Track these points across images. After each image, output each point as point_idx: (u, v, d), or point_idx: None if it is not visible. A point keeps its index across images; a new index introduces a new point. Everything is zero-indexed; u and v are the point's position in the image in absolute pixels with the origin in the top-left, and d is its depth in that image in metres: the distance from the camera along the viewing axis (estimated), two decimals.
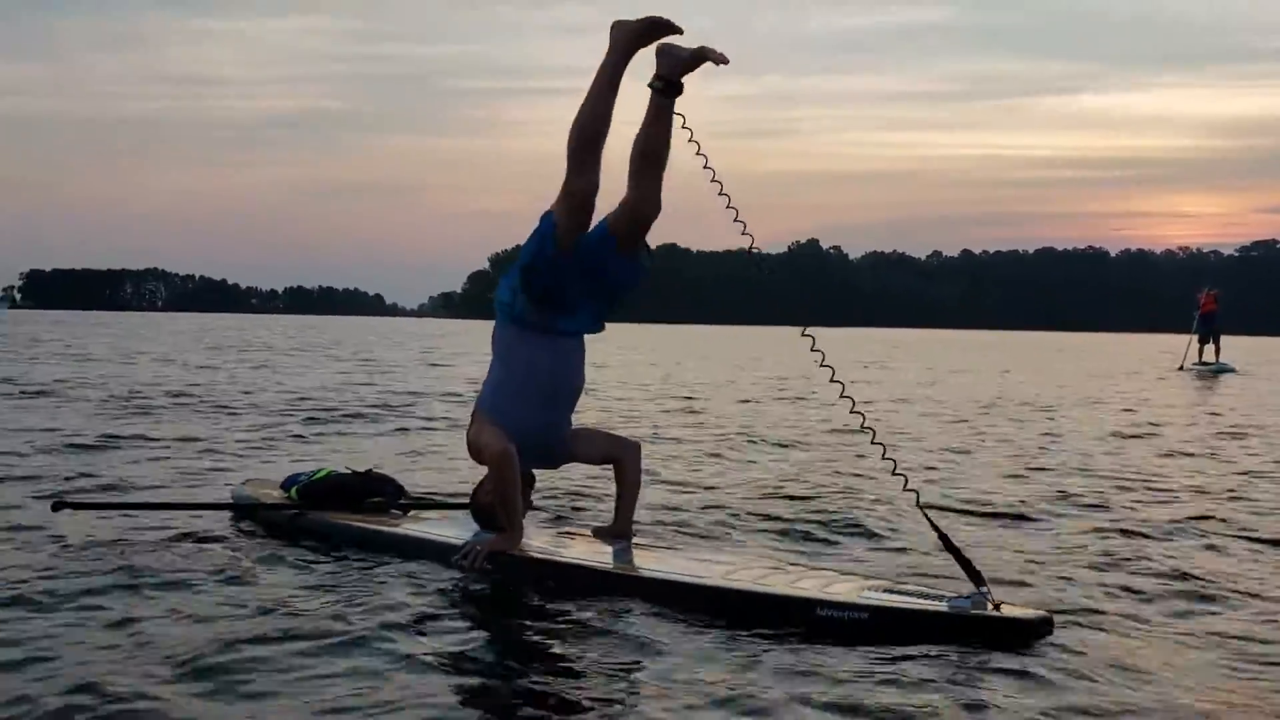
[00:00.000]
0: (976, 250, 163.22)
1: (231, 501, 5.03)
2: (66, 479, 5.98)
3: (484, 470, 4.22)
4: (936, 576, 4.04)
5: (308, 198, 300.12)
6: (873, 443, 3.70)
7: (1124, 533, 5.13)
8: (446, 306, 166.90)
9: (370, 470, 5.01)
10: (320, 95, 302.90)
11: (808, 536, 4.95)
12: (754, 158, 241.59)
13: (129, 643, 3.18)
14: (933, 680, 2.98)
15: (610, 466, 4.41)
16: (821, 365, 3.73)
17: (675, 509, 5.49)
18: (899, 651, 3.19)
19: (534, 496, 4.56)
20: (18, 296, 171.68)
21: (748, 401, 12.86)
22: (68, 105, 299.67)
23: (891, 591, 3.54)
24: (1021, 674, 3.05)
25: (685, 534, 4.90)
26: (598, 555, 4.07)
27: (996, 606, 3.33)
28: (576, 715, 2.74)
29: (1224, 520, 5.48)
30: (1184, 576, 4.26)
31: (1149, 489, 6.50)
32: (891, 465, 3.65)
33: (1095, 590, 4.04)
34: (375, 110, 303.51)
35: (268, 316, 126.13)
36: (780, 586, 3.60)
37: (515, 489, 4.08)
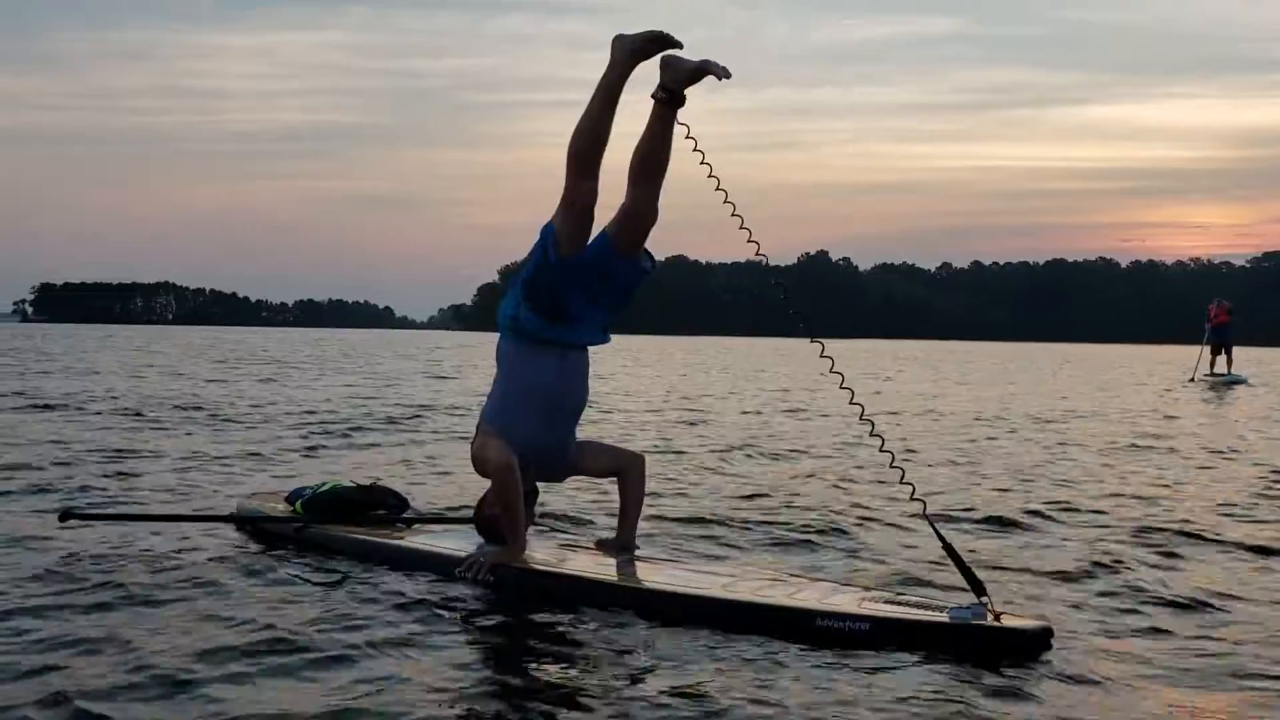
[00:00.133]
0: (986, 261, 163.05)
1: (237, 514, 5.05)
2: (75, 490, 6.03)
3: (488, 483, 4.24)
4: (937, 586, 4.05)
5: (319, 211, 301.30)
6: (881, 450, 3.72)
7: (1126, 544, 5.13)
8: (457, 319, 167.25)
9: (374, 483, 5.04)
10: (333, 109, 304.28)
11: (809, 547, 4.95)
12: (763, 169, 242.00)
13: (131, 653, 3.20)
14: (934, 691, 2.98)
15: (614, 478, 4.43)
16: (831, 371, 3.75)
17: (677, 520, 5.51)
18: (900, 662, 3.20)
19: (537, 509, 4.58)
20: (29, 310, 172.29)
21: (751, 413, 12.86)
22: (81, 119, 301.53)
23: (892, 602, 3.55)
24: (1022, 684, 3.06)
25: (687, 546, 4.91)
26: (601, 568, 4.08)
27: (997, 617, 3.33)
28: None
29: (1228, 533, 5.47)
30: (1186, 589, 4.25)
31: (1152, 501, 6.49)
32: (900, 474, 3.67)
33: (1096, 601, 4.05)
34: (387, 124, 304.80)
35: (278, 329, 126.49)
36: (781, 598, 3.61)
37: (518, 502, 4.09)
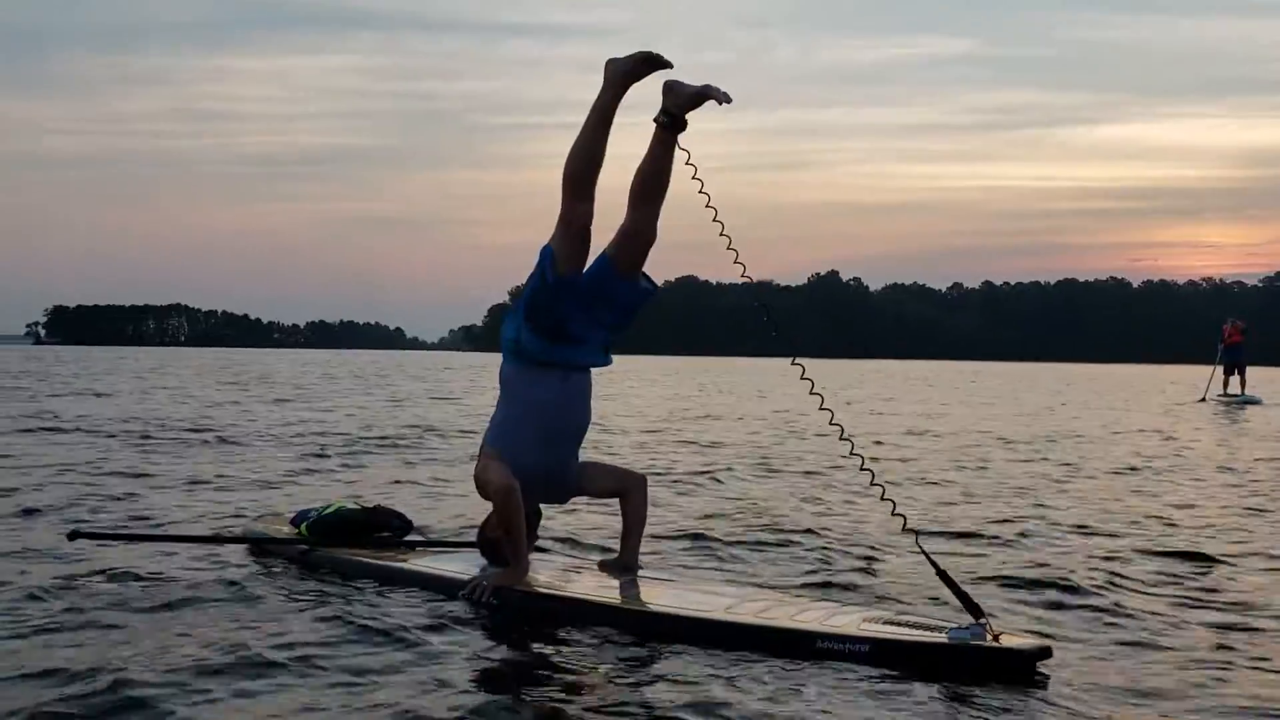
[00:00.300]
0: (997, 281, 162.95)
1: (243, 536, 5.08)
2: (84, 510, 6.09)
3: (490, 505, 4.26)
4: (940, 605, 4.06)
5: (331, 232, 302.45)
6: (871, 484, 3.76)
7: (1127, 564, 5.13)
8: (467, 339, 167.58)
9: (378, 505, 5.06)
10: (344, 131, 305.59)
11: (810, 569, 4.95)
12: (774, 190, 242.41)
13: (132, 672, 3.21)
14: (933, 712, 3.00)
15: (616, 499, 4.45)
16: (811, 393, 3.80)
17: (676, 539, 5.54)
18: (900, 682, 3.22)
19: (540, 530, 4.60)
20: (42, 333, 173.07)
21: (755, 433, 12.87)
22: (93, 142, 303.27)
23: (892, 623, 3.56)
24: (1021, 705, 3.07)
25: (688, 566, 4.92)
26: (603, 589, 4.10)
27: (996, 637, 3.34)
28: None
29: (1231, 554, 5.47)
30: (1185, 609, 4.26)
31: (1156, 521, 6.47)
32: (881, 491, 3.70)
33: (1095, 621, 4.05)
34: (399, 146, 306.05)
35: (289, 350, 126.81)
36: (782, 619, 3.62)
37: (520, 524, 4.11)
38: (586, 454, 4.52)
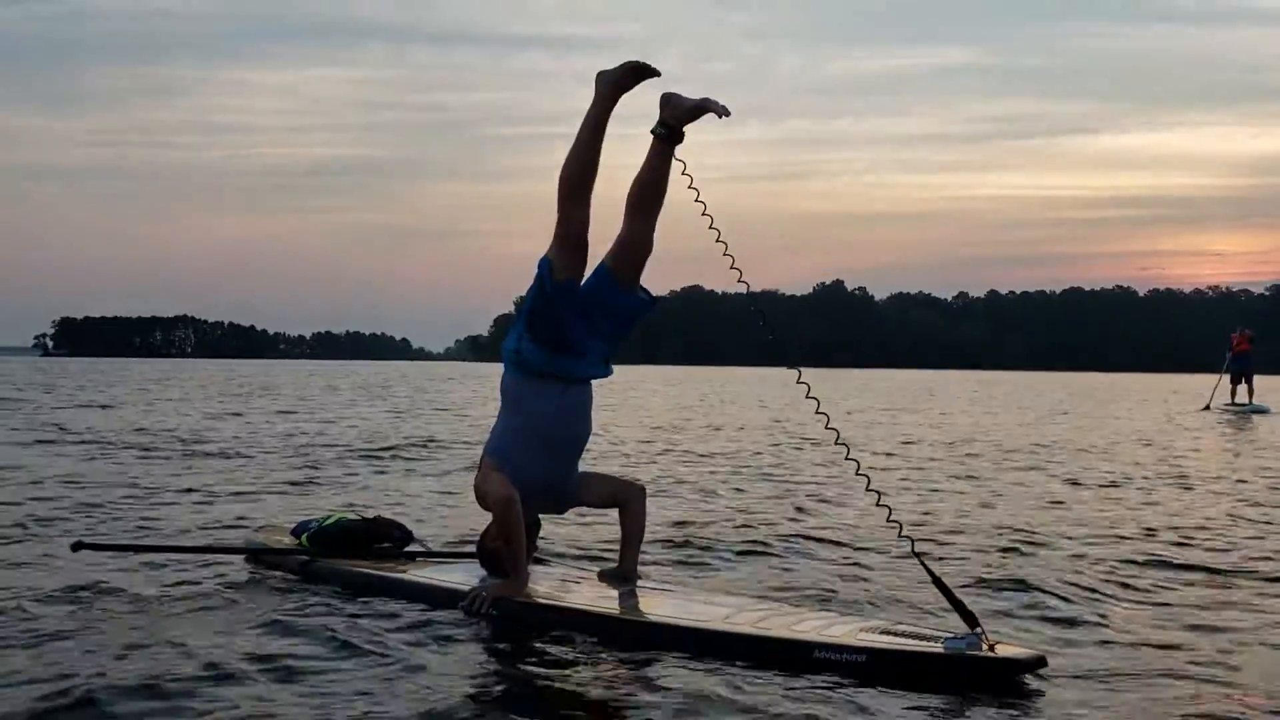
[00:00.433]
0: (1003, 291, 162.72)
1: (244, 547, 5.10)
2: (87, 521, 6.13)
3: (491, 516, 4.28)
4: (933, 613, 4.06)
5: (337, 243, 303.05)
6: (867, 490, 3.77)
7: (1125, 574, 5.14)
8: (473, 350, 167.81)
9: (379, 516, 5.08)
10: (355, 143, 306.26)
11: (807, 579, 4.96)
12: (778, 199, 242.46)
13: (131, 682, 3.24)
14: None
15: (615, 510, 4.46)
16: (817, 412, 3.81)
17: (675, 550, 5.56)
18: (896, 693, 3.23)
19: (539, 541, 4.62)
20: (50, 344, 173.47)
21: (755, 442, 12.88)
22: (102, 154, 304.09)
23: (888, 633, 3.57)
24: (1016, 714, 3.08)
25: (686, 576, 4.94)
26: (602, 599, 4.11)
27: (991, 647, 3.36)
28: None
29: (1226, 561, 5.48)
30: (1181, 619, 4.27)
31: (1155, 531, 6.47)
32: (887, 513, 3.71)
33: (1090, 630, 4.05)
34: (408, 157, 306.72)
35: (295, 361, 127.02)
36: (779, 630, 3.64)
37: (520, 535, 4.13)
38: (586, 463, 4.54)
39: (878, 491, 3.80)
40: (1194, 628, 4.10)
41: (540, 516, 4.52)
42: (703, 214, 4.13)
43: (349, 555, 4.74)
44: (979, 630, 3.39)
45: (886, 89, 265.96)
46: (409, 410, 19.71)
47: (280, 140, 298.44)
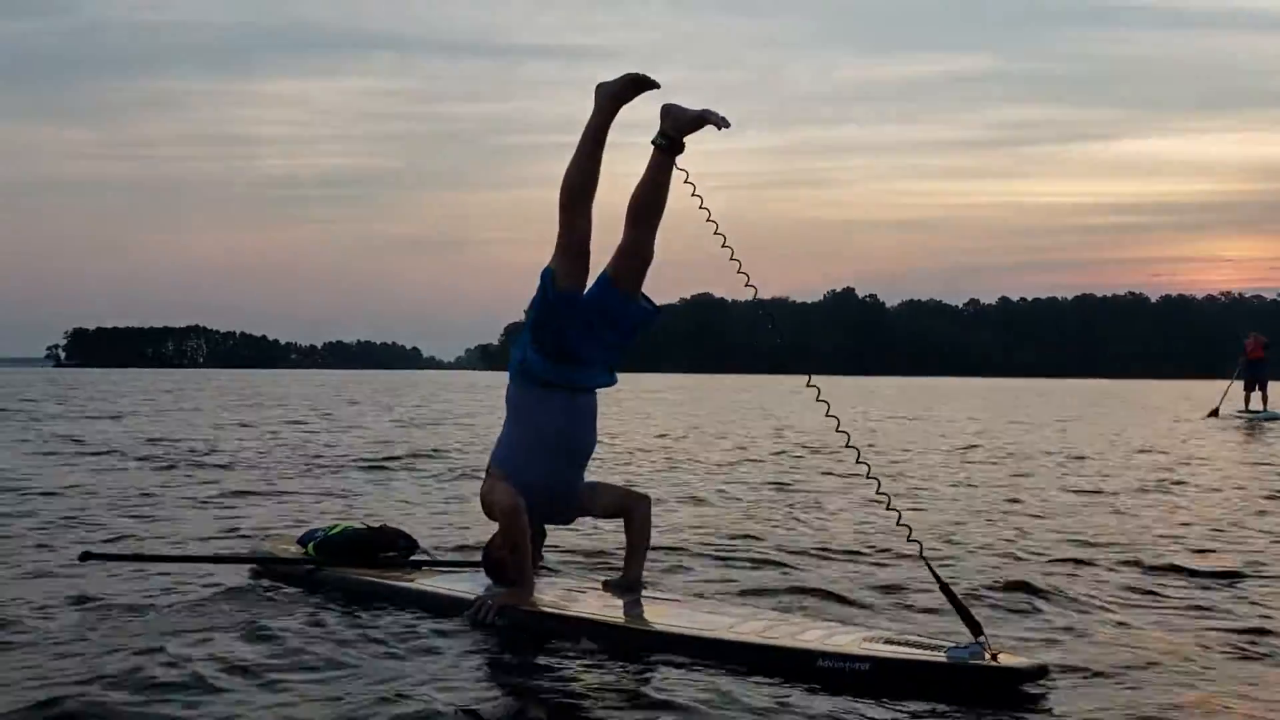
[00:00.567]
0: (1014, 298, 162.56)
1: (251, 556, 5.12)
2: (96, 531, 6.16)
3: (496, 525, 4.29)
4: (936, 623, 4.06)
5: (348, 253, 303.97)
6: (878, 493, 3.77)
7: (1126, 580, 5.15)
8: (484, 358, 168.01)
9: (384, 525, 5.10)
10: (363, 153, 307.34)
11: (811, 588, 4.95)
12: (790, 207, 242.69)
13: (137, 690, 3.27)
14: None
15: (620, 519, 4.48)
16: (818, 400, 3.82)
17: (680, 557, 5.57)
18: (899, 702, 3.23)
19: (544, 550, 4.63)
20: (62, 355, 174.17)
21: (762, 449, 12.87)
22: (112, 166, 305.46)
23: (892, 642, 3.57)
24: None
25: (691, 585, 4.94)
26: (608, 608, 4.12)
27: (994, 656, 3.35)
28: None
29: (1236, 568, 5.48)
30: (1182, 626, 4.26)
31: (1159, 539, 6.46)
32: (896, 516, 3.71)
33: (1093, 639, 4.04)
34: (416, 167, 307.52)
35: (306, 371, 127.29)
36: (784, 638, 3.64)
37: (525, 544, 4.14)
38: (593, 472, 4.55)
39: (887, 495, 3.80)
40: (1200, 637, 4.09)
41: (545, 526, 4.53)
42: (707, 220, 4.14)
43: (355, 564, 4.76)
44: (982, 639, 3.39)
45: (897, 96, 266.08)
46: (416, 419, 19.74)
47: (290, 151, 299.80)
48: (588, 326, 4.20)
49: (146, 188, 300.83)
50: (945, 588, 3.59)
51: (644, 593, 4.35)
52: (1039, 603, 4.65)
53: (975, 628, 3.42)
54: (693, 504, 7.88)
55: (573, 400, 4.26)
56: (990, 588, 4.90)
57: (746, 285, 4.13)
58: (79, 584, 4.67)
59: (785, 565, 5.48)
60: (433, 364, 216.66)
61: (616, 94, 4.17)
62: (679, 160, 4.16)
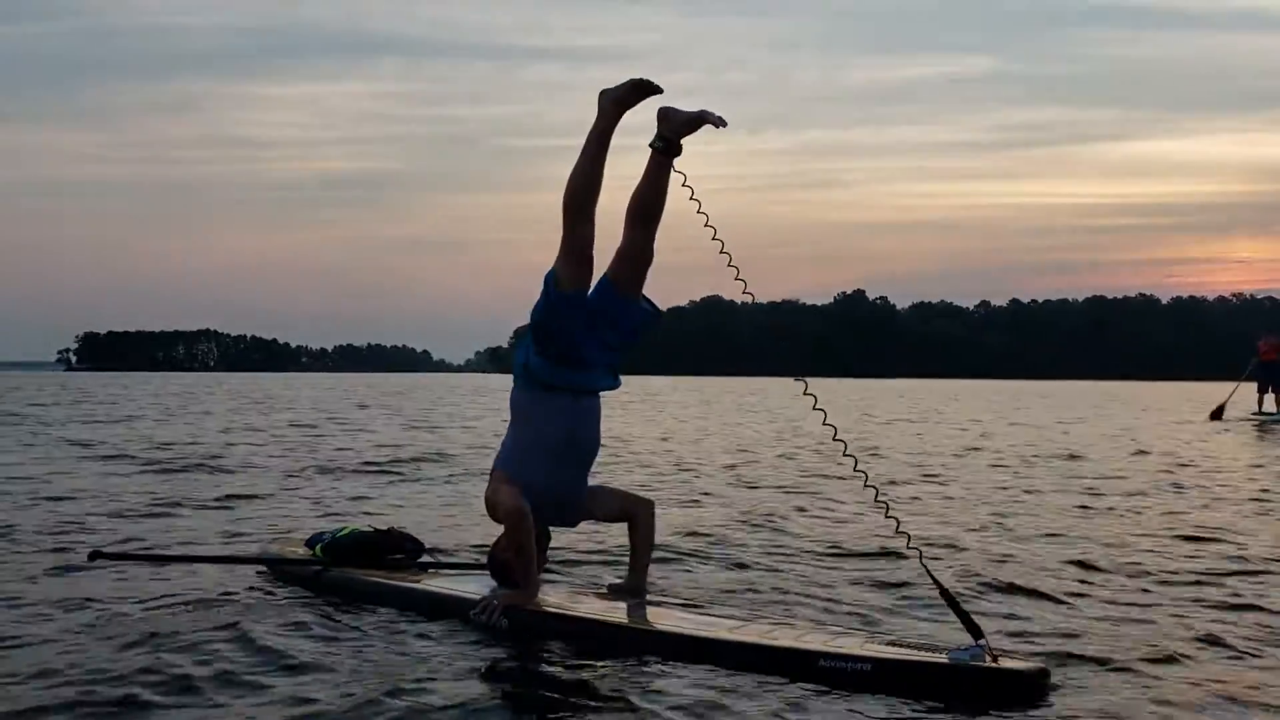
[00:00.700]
0: (1025, 299, 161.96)
1: (259, 557, 5.16)
2: (105, 531, 6.21)
3: (501, 527, 4.32)
4: (937, 626, 4.08)
5: (358, 256, 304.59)
6: (876, 501, 3.79)
7: (1127, 585, 5.15)
8: (492, 361, 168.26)
9: (392, 528, 5.13)
10: (371, 156, 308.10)
11: (814, 591, 4.98)
12: (799, 209, 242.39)
13: (143, 690, 3.31)
14: None
15: (624, 523, 4.50)
16: (824, 424, 3.85)
17: (683, 560, 5.60)
18: (899, 703, 3.26)
19: (549, 552, 4.65)
20: (73, 359, 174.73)
21: (765, 452, 12.88)
22: (123, 170, 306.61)
23: (894, 644, 3.60)
24: None
25: (694, 588, 4.97)
26: (611, 611, 4.15)
27: (995, 659, 3.37)
28: None
29: (1237, 570, 5.49)
30: (1187, 628, 4.27)
31: (1158, 540, 6.47)
32: (895, 524, 3.73)
33: (1093, 642, 4.06)
34: (424, 170, 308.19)
35: (316, 374, 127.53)
36: (785, 640, 3.67)
37: (530, 546, 4.17)
38: (596, 475, 4.57)
39: (886, 503, 3.82)
40: (1200, 638, 4.11)
41: (550, 529, 4.56)
42: (705, 225, 4.16)
43: (362, 566, 4.79)
44: (983, 642, 3.41)
45: (907, 98, 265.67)
46: (423, 422, 19.78)
47: (297, 154, 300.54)
48: (590, 329, 4.23)
49: (157, 191, 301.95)
50: (945, 593, 3.61)
51: (647, 595, 4.38)
52: (1039, 605, 4.67)
53: (976, 631, 3.43)
54: (696, 506, 7.90)
55: (576, 403, 4.28)
56: (990, 590, 4.92)
57: (745, 292, 4.15)
58: (88, 583, 4.73)
59: (788, 568, 5.50)
60: (443, 367, 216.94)
61: (620, 99, 4.20)
62: (677, 163, 4.19)
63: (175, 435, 15.06)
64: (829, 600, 4.77)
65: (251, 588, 4.76)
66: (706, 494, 8.72)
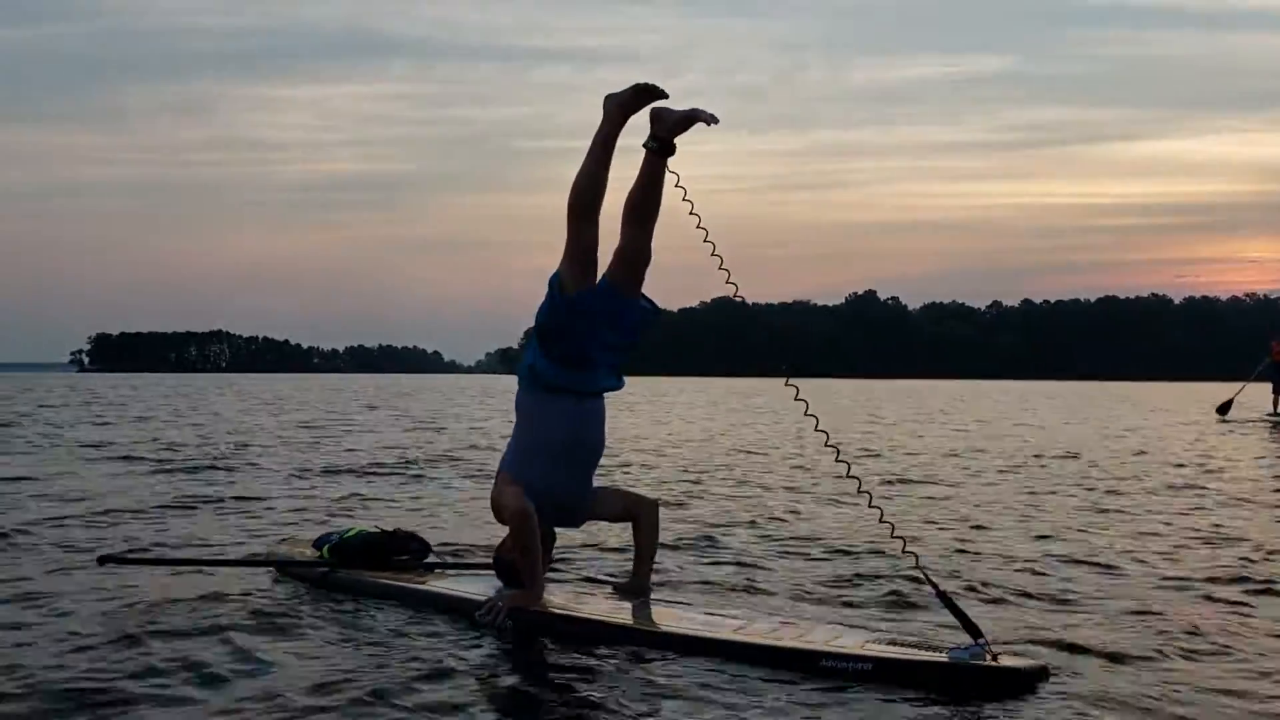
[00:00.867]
0: (1037, 300, 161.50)
1: (267, 559, 5.19)
2: (113, 535, 6.24)
3: (507, 528, 4.35)
4: (939, 625, 4.10)
5: (370, 258, 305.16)
6: (870, 505, 3.83)
7: (1126, 584, 5.16)
8: (503, 362, 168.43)
9: (398, 529, 5.16)
10: (381, 158, 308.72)
11: (816, 590, 5.00)
12: (810, 209, 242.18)
13: (150, 691, 3.34)
14: None
15: (629, 523, 4.53)
16: (816, 429, 3.89)
17: (686, 559, 5.63)
18: (900, 702, 3.28)
19: (554, 553, 4.68)
20: (86, 360, 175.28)
21: (772, 454, 12.90)
22: (135, 172, 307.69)
23: (895, 643, 3.62)
24: None
25: (698, 587, 4.99)
26: (616, 611, 4.18)
27: (994, 657, 3.40)
28: None
29: (1230, 568, 5.50)
30: (1183, 628, 4.28)
31: (1158, 540, 6.47)
32: (890, 528, 3.77)
33: (1092, 640, 4.07)
34: (433, 171, 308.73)
35: (327, 375, 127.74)
36: (788, 640, 3.70)
37: (535, 547, 4.19)
38: (602, 475, 4.60)
39: (880, 508, 3.86)
40: (1199, 636, 4.12)
41: (555, 529, 4.58)
42: (698, 226, 4.21)
43: (369, 567, 4.82)
44: (983, 641, 3.43)
45: (916, 98, 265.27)
46: (431, 424, 19.82)
47: (309, 156, 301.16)
48: (593, 331, 4.26)
49: (169, 193, 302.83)
50: (943, 595, 3.63)
51: (651, 595, 4.40)
52: (1038, 604, 4.69)
53: (974, 631, 3.46)
54: (699, 506, 7.92)
55: (580, 405, 4.31)
56: (989, 590, 4.94)
57: (736, 295, 4.19)
58: (97, 587, 4.75)
59: (790, 568, 5.52)
60: (453, 368, 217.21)
61: (625, 104, 4.23)
62: (670, 162, 4.21)
63: (185, 437, 15.12)
64: (830, 600, 4.79)
65: (260, 589, 4.79)
66: (710, 494, 8.73)
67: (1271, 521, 7.38)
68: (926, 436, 16.97)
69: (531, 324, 4.34)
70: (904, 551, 3.73)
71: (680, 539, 6.24)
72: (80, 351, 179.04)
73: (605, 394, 4.42)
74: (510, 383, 4.46)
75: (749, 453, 13.29)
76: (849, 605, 4.68)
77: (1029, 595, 4.87)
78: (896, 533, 3.77)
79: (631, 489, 5.32)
